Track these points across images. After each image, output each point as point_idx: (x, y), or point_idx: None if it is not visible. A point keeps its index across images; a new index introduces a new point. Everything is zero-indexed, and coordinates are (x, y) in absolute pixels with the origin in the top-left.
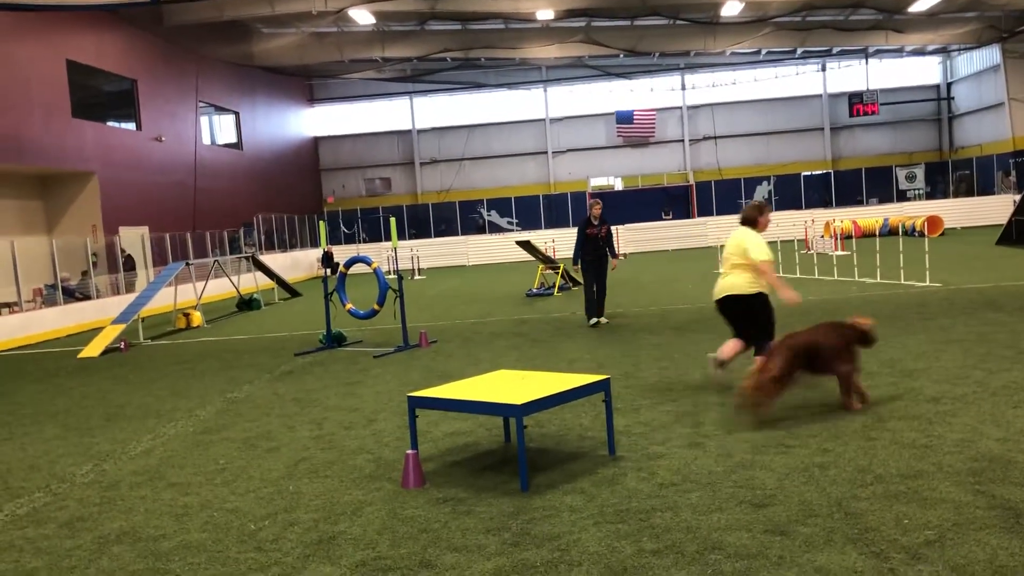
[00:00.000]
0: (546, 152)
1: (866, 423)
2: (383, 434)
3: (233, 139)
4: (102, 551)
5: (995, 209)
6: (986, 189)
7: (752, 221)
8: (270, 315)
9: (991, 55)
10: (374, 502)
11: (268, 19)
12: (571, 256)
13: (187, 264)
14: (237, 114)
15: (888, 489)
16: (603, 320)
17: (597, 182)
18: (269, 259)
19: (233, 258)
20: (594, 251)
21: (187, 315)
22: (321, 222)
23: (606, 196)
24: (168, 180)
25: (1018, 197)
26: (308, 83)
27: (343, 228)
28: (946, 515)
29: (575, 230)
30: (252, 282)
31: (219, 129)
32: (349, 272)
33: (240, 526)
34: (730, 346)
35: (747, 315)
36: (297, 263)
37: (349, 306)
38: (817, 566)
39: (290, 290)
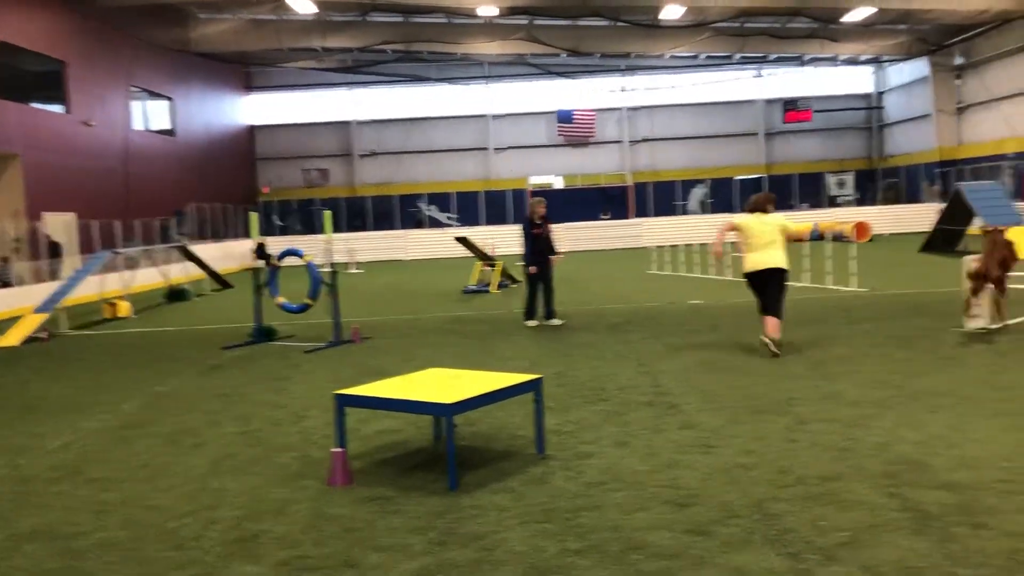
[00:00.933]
0: (487, 148)
1: (788, 425)
2: (311, 431)
3: (167, 125)
4: (15, 549)
5: (921, 217)
6: (913, 197)
7: (768, 207)
8: (200, 307)
9: (920, 67)
10: (299, 500)
11: (205, 4)
12: (521, 255)
13: (115, 252)
14: (171, 100)
15: (807, 491)
16: (556, 321)
17: (537, 180)
18: (201, 249)
19: (164, 247)
20: (540, 251)
21: (114, 305)
22: (253, 213)
23: (546, 195)
24: (98, 166)
25: (942, 206)
26: (245, 70)
27: (276, 219)
28: (861, 517)
29: (516, 227)
30: (182, 272)
31: (152, 115)
32: (282, 265)
33: (160, 524)
34: (773, 324)
35: (783, 284)
36: (230, 254)
37: (280, 299)
38: (735, 566)
39: (221, 281)
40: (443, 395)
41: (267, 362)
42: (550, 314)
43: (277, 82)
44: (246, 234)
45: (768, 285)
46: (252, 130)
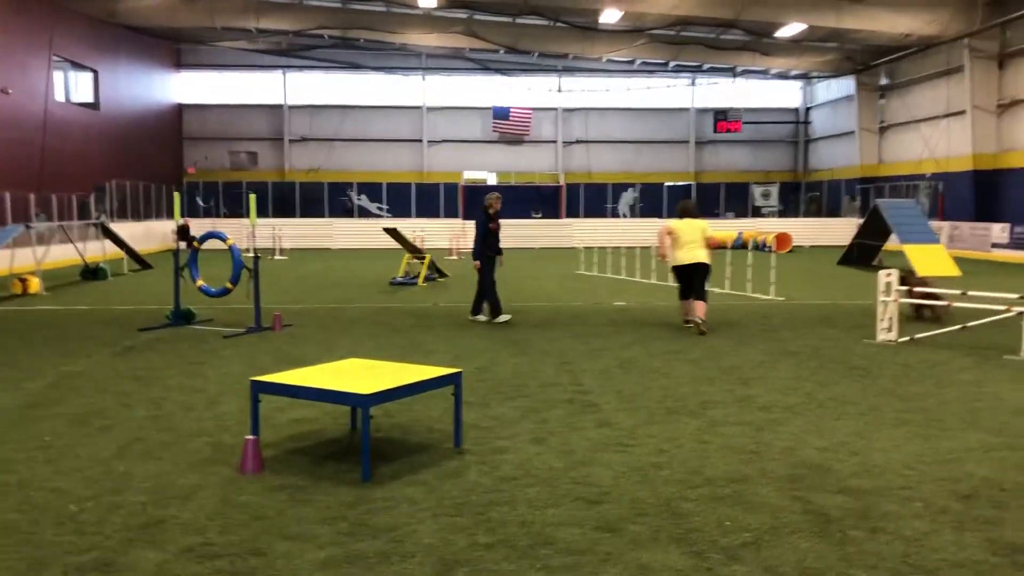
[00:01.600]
0: (421, 140)
1: (701, 427)
2: (225, 417)
3: (90, 98)
4: None
5: (841, 230)
6: (834, 211)
7: (695, 213)
8: (117, 286)
9: (847, 85)
10: (208, 487)
11: None
12: (470, 250)
13: (27, 226)
14: (96, 72)
15: (715, 492)
16: (482, 317)
17: (471, 175)
18: (121, 227)
19: (81, 224)
20: (493, 247)
21: (24, 281)
22: (176, 193)
23: (478, 190)
24: (12, 136)
25: (861, 221)
26: (176, 47)
27: (200, 201)
28: (764, 519)
29: (445, 221)
30: (100, 250)
31: (75, 87)
32: (203, 248)
33: (60, 507)
34: (701, 307)
35: (705, 275)
36: (151, 233)
37: (200, 283)
38: (641, 564)
39: (141, 261)
40: (360, 386)
41: (184, 346)
42: (493, 311)
43: (209, 61)
44: (170, 214)
45: (693, 277)
46: (180, 108)
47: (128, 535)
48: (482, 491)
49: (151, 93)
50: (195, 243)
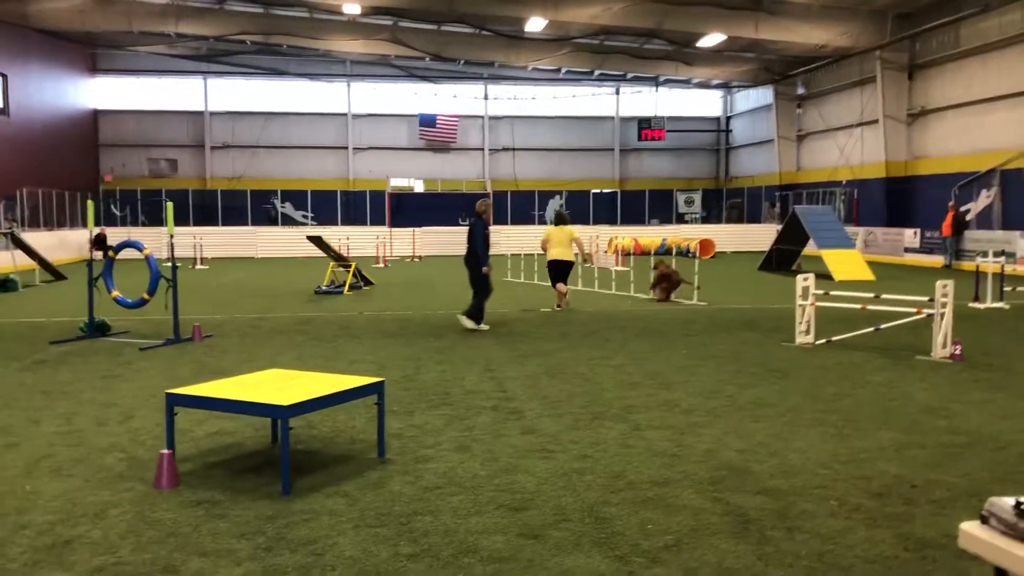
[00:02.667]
0: (347, 148)
1: (624, 431)
2: (140, 432)
3: None
4: None
5: (761, 236)
6: (754, 217)
7: (567, 221)
8: (28, 298)
9: (765, 95)
10: (121, 504)
11: None
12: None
13: None
14: (4, 77)
15: (637, 495)
16: (470, 324)
17: (397, 182)
18: (33, 237)
19: None
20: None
21: None
22: (89, 201)
23: (405, 198)
24: None
25: (780, 227)
26: (91, 52)
27: (115, 209)
28: (686, 521)
29: (372, 228)
30: (10, 261)
31: None
32: (120, 257)
33: None
34: (563, 288)
35: (568, 269)
36: (65, 243)
37: (116, 293)
38: (564, 569)
39: (54, 272)
40: (279, 397)
41: (98, 358)
42: (478, 316)
43: (125, 66)
44: (85, 223)
45: (561, 270)
46: (96, 114)
47: (34, 556)
48: (405, 501)
49: (64, 98)
50: (110, 252)
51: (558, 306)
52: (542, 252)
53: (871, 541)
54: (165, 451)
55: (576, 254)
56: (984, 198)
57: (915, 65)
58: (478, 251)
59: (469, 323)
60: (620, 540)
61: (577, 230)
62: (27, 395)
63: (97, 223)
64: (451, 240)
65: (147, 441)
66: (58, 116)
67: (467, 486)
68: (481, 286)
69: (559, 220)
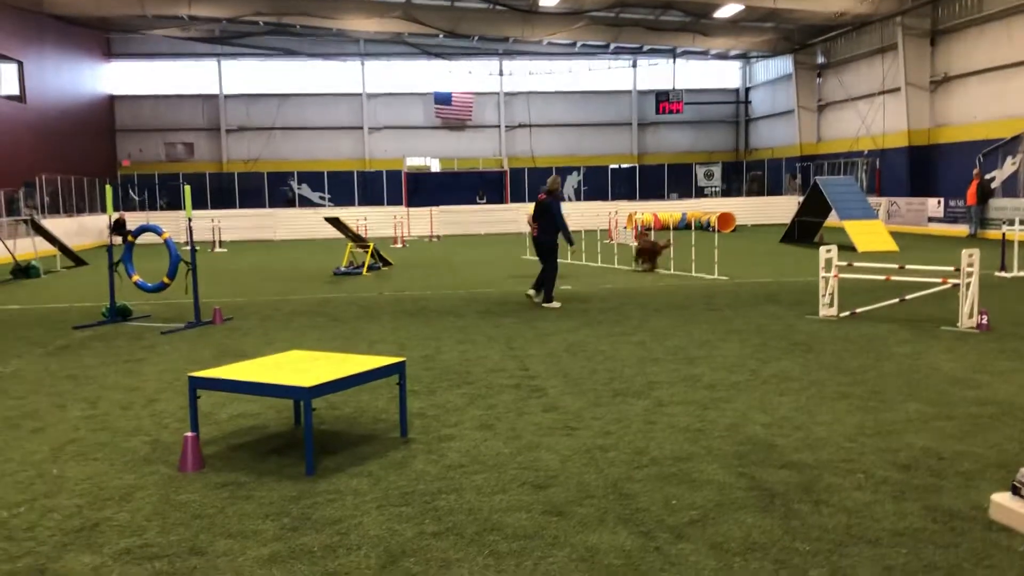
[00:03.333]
0: (362, 128)
1: (647, 407)
2: (163, 415)
3: (15, 91)
4: None
5: (782, 209)
6: (775, 190)
7: (548, 197)
8: (50, 284)
9: (785, 65)
10: (146, 487)
11: None
12: (552, 237)
13: None
14: (21, 64)
15: (661, 471)
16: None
17: (413, 162)
18: (53, 223)
19: (9, 220)
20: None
21: None
22: (108, 186)
23: (421, 177)
24: None
25: (801, 199)
26: (106, 36)
27: (133, 194)
28: (710, 496)
29: (389, 208)
30: (31, 247)
31: None
32: (139, 242)
33: None
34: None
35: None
36: (85, 229)
37: (136, 278)
38: (589, 546)
39: (74, 258)
40: (301, 378)
41: (120, 343)
42: (549, 295)
43: (140, 50)
44: (104, 209)
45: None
46: (112, 100)
47: (63, 540)
48: (429, 480)
49: (80, 84)
50: (129, 237)
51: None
52: (534, 232)
53: (899, 514)
54: (189, 434)
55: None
56: (1009, 165)
57: (937, 31)
58: (560, 228)
59: (538, 298)
60: (645, 516)
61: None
62: (52, 380)
63: (116, 208)
64: (469, 219)
65: (171, 424)
66: (74, 102)
67: (490, 464)
68: (552, 263)
69: (548, 193)
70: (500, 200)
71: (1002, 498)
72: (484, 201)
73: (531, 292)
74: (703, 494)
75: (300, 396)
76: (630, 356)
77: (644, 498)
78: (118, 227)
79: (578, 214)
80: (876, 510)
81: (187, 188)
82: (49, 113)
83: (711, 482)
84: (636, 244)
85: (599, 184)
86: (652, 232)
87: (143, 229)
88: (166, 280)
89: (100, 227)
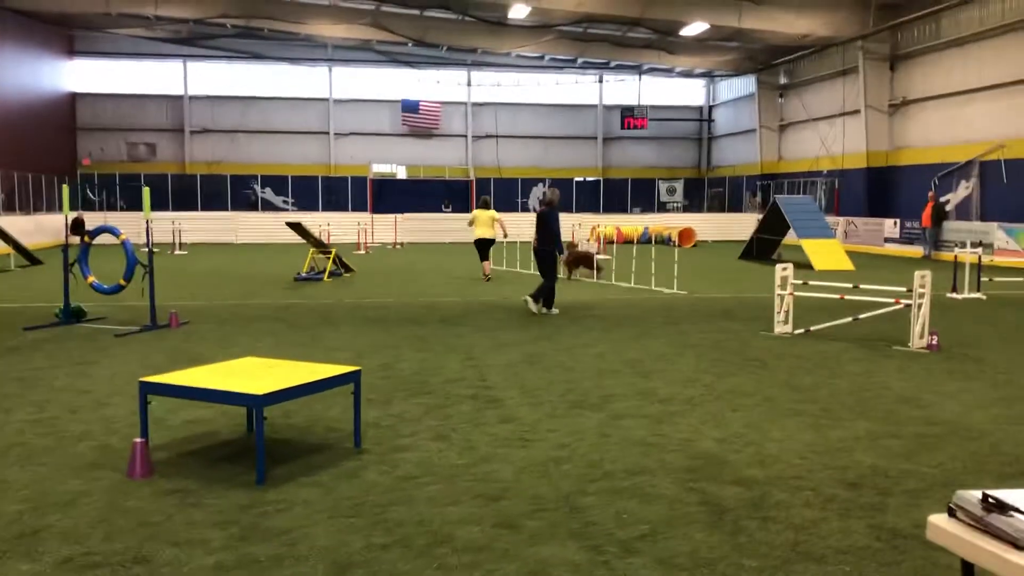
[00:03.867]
0: (328, 133)
1: (603, 420)
2: (113, 420)
3: None
4: None
5: (742, 225)
6: (736, 207)
7: (489, 205)
8: (2, 283)
9: (748, 84)
10: (92, 493)
11: None
12: (551, 247)
13: None
14: None
15: (614, 485)
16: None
17: (380, 168)
18: (9, 221)
19: None
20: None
21: None
22: (64, 186)
23: (387, 184)
24: None
25: (761, 216)
26: (69, 34)
27: (91, 194)
28: (661, 511)
29: (353, 215)
30: None
31: None
32: (96, 242)
33: None
34: (486, 266)
35: (490, 246)
36: (42, 227)
37: (91, 279)
38: (539, 559)
39: (29, 257)
40: (255, 385)
41: (72, 345)
42: (549, 301)
43: (104, 48)
44: (61, 207)
45: (484, 247)
46: (74, 97)
47: (1, 547)
48: (380, 491)
49: (41, 81)
50: (86, 238)
51: (486, 278)
52: (470, 229)
53: (844, 531)
54: (138, 440)
55: (498, 232)
56: (963, 189)
57: (897, 56)
58: (556, 238)
59: (535, 306)
60: (595, 530)
61: (498, 213)
62: None
63: (74, 207)
64: (434, 227)
65: (121, 429)
66: (35, 99)
67: (444, 476)
68: (552, 272)
69: (483, 205)
70: (466, 209)
71: (939, 519)
72: (449, 210)
73: (529, 300)
74: (654, 509)
75: (253, 404)
76: (588, 368)
77: (596, 512)
78: (76, 227)
79: None
80: (823, 527)
81: (146, 189)
82: (8, 109)
83: (662, 497)
84: (564, 258)
85: (564, 196)
86: (579, 244)
87: (100, 230)
88: (122, 282)
89: (58, 226)
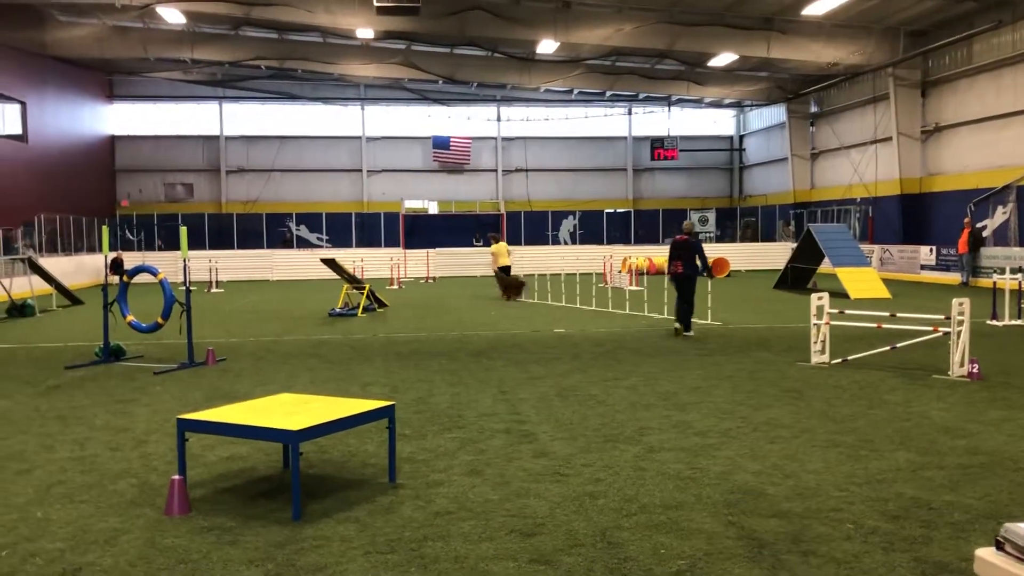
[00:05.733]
0: (361, 170)
1: (638, 453)
2: (152, 457)
3: (18, 130)
4: None
5: (776, 255)
6: (769, 236)
7: (501, 239)
8: (45, 323)
9: (778, 113)
10: (132, 530)
11: (66, 6)
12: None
13: None
14: (23, 104)
15: (650, 519)
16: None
17: (411, 204)
18: (51, 262)
19: (6, 259)
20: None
21: None
22: (104, 226)
23: (419, 219)
24: None
25: (795, 245)
26: (108, 78)
27: (130, 234)
28: (699, 545)
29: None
30: (27, 286)
31: (1, 119)
32: (135, 282)
33: None
34: (515, 283)
35: (509, 271)
36: (83, 268)
37: (130, 318)
38: None
39: (71, 297)
40: (290, 421)
41: (112, 383)
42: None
43: (142, 92)
44: (101, 248)
45: (506, 271)
46: (113, 140)
47: None
48: (416, 526)
49: (82, 125)
50: (124, 277)
51: (508, 299)
52: (495, 264)
53: (887, 565)
54: (176, 477)
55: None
56: (1000, 214)
57: (928, 82)
58: (703, 265)
59: (687, 332)
60: (633, 566)
61: (508, 247)
62: (41, 420)
63: (113, 248)
64: (465, 261)
65: (160, 466)
66: (75, 142)
67: (478, 511)
68: (693, 294)
69: (496, 239)
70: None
71: (986, 553)
72: (481, 244)
73: (679, 328)
74: (692, 543)
75: (288, 440)
76: (622, 401)
77: (633, 547)
78: (115, 266)
79: (573, 258)
80: (865, 561)
81: (183, 229)
82: (50, 153)
83: (700, 531)
84: (499, 285)
85: (595, 228)
86: (509, 271)
87: (138, 270)
88: (160, 321)
89: (98, 266)
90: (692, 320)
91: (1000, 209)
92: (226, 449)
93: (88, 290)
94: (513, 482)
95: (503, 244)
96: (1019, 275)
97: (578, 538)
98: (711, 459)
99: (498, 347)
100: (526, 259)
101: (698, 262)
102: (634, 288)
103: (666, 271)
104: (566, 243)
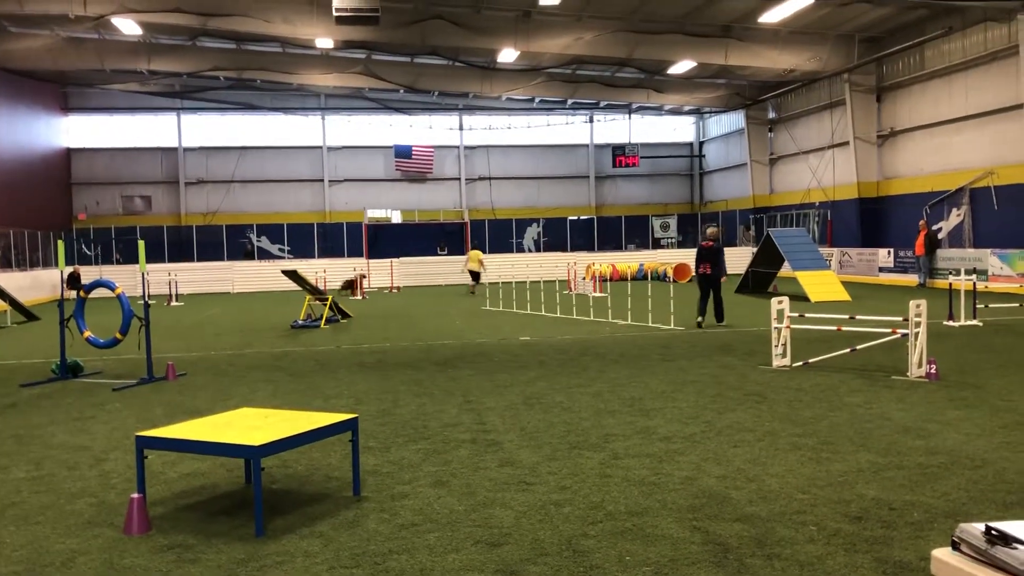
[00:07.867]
0: (323, 180)
1: (603, 460)
2: (111, 475)
3: None
4: None
5: (737, 259)
6: (729, 241)
7: (476, 247)
8: None
9: (737, 119)
10: (89, 551)
11: (18, 17)
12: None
13: None
14: None
15: (616, 526)
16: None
17: (374, 214)
18: (5, 278)
19: None
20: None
21: None
22: (60, 240)
23: (382, 229)
24: None
25: (755, 250)
26: (63, 90)
27: (86, 249)
28: (664, 551)
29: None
30: None
31: None
32: (92, 296)
33: None
34: (473, 286)
35: (479, 276)
36: (38, 283)
37: (88, 333)
38: None
39: (26, 313)
40: (251, 436)
41: (70, 400)
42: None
43: (98, 104)
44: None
45: (476, 276)
46: (69, 152)
47: None
48: (381, 540)
49: (36, 138)
50: (81, 292)
51: (472, 293)
52: (466, 268)
53: (850, 566)
54: (135, 495)
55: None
56: (955, 216)
57: (883, 87)
58: (724, 267)
59: (718, 325)
60: (598, 573)
61: (483, 255)
62: None
63: (70, 262)
64: (429, 270)
65: (118, 485)
66: (30, 155)
67: (444, 522)
68: (721, 291)
69: (474, 247)
70: (461, 251)
71: (942, 553)
72: (445, 252)
73: (700, 320)
74: (657, 549)
75: (249, 455)
76: (587, 408)
77: (598, 555)
78: (72, 281)
79: (537, 265)
80: (828, 563)
81: (141, 242)
82: (3, 166)
83: (665, 537)
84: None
85: (558, 235)
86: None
87: (96, 284)
88: (118, 336)
89: (54, 282)
90: (702, 317)
91: (955, 211)
92: (187, 465)
93: (44, 306)
94: (479, 492)
95: (475, 252)
96: (974, 276)
97: (544, 547)
98: (675, 464)
99: (464, 356)
100: (491, 267)
101: (721, 265)
102: (598, 295)
103: (694, 272)
104: (530, 251)
